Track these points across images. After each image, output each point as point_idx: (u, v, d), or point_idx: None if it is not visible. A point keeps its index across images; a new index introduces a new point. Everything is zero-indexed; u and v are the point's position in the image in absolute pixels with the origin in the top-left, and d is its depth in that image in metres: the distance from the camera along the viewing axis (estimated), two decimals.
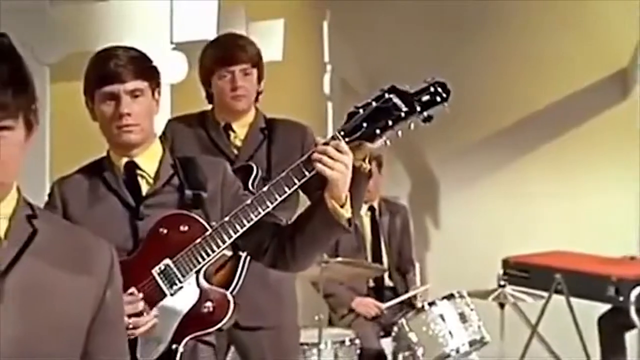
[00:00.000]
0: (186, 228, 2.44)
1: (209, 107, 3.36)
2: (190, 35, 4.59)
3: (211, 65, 3.27)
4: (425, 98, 2.37)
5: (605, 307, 5.12)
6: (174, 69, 4.51)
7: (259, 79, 3.30)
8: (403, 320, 4.37)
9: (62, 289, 1.51)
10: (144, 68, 2.51)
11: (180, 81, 4.58)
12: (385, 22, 6.41)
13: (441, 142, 6.33)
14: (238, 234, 2.40)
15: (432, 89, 2.38)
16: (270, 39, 5.36)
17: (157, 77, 2.55)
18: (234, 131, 3.28)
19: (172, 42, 4.64)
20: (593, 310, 5.13)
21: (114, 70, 2.44)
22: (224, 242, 2.41)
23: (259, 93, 3.32)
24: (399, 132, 2.38)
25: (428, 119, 2.38)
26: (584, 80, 6.27)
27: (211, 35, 4.45)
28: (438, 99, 2.37)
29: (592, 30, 6.17)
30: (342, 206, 2.35)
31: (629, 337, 5.21)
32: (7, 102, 1.41)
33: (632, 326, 4.85)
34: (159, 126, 3.32)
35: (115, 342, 1.62)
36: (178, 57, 4.59)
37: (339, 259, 4.47)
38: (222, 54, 3.26)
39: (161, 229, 2.45)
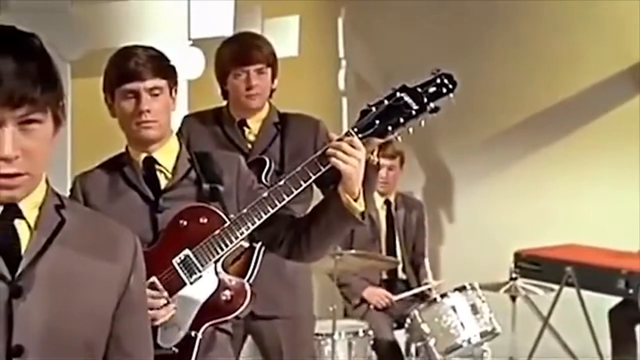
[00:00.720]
0: (205, 220, 2.52)
1: (224, 103, 3.42)
2: (208, 32, 4.67)
3: (227, 64, 3.32)
4: (432, 89, 2.46)
5: (616, 300, 5.14)
6: (191, 65, 4.59)
7: (273, 77, 3.36)
8: (416, 312, 4.41)
9: (89, 275, 1.58)
10: (163, 67, 2.58)
11: (197, 77, 4.67)
12: (399, 19, 6.44)
13: (455, 138, 6.38)
14: (256, 225, 2.48)
15: (438, 81, 2.47)
16: (285, 35, 5.44)
17: (174, 76, 2.63)
18: (248, 127, 3.34)
19: (189, 39, 4.72)
20: (604, 303, 5.16)
21: (134, 69, 2.52)
22: (242, 233, 2.49)
23: (272, 90, 3.38)
24: (410, 129, 2.46)
25: (435, 110, 2.46)
26: (597, 76, 6.27)
27: (228, 31, 4.53)
28: (444, 90, 2.46)
29: (605, 26, 6.17)
30: (355, 200, 2.43)
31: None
32: (36, 97, 1.48)
33: None
34: (176, 121, 3.41)
35: (139, 326, 1.68)
36: (195, 54, 4.67)
37: (353, 251, 4.52)
38: (238, 54, 3.30)
39: (181, 221, 2.53)
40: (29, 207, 1.55)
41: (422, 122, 2.45)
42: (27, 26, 1.57)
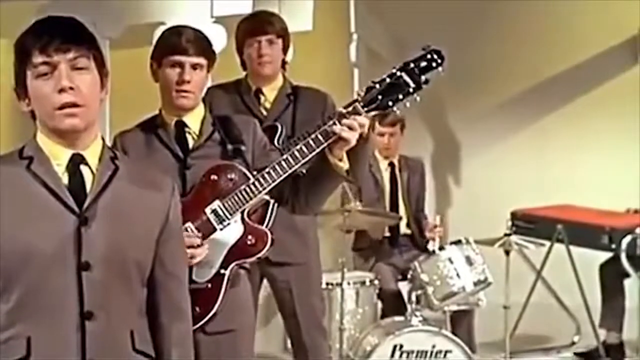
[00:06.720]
0: (233, 176, 2.90)
1: (244, 74, 3.83)
2: (229, 9, 5.01)
3: (243, 36, 3.77)
4: (423, 64, 2.83)
5: (607, 256, 5.35)
6: (214, 40, 4.94)
7: (285, 49, 3.77)
8: (416, 263, 4.65)
9: (138, 208, 2.00)
10: (207, 48, 2.96)
11: (219, 51, 5.03)
12: None
13: (462, 106, 6.64)
14: (276, 182, 2.86)
15: (428, 56, 2.84)
16: (300, 11, 5.75)
17: (214, 58, 3.00)
18: (264, 95, 3.75)
19: (212, 16, 5.08)
20: (597, 259, 5.41)
21: (184, 45, 2.89)
22: (264, 188, 2.86)
23: (285, 62, 3.79)
24: (417, 98, 2.84)
25: (426, 82, 2.84)
26: (597, 47, 6.51)
27: (247, 9, 4.89)
28: (434, 64, 2.83)
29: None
30: (340, 160, 2.85)
31: (628, 283, 5.42)
32: (80, 47, 1.94)
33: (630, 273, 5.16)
34: None
35: (177, 250, 2.10)
36: (217, 30, 5.03)
37: (360, 207, 4.76)
38: (251, 26, 3.75)
39: (212, 176, 2.90)
40: (91, 156, 1.99)
41: (417, 98, 2.84)
42: (71, 11, 2.02)
